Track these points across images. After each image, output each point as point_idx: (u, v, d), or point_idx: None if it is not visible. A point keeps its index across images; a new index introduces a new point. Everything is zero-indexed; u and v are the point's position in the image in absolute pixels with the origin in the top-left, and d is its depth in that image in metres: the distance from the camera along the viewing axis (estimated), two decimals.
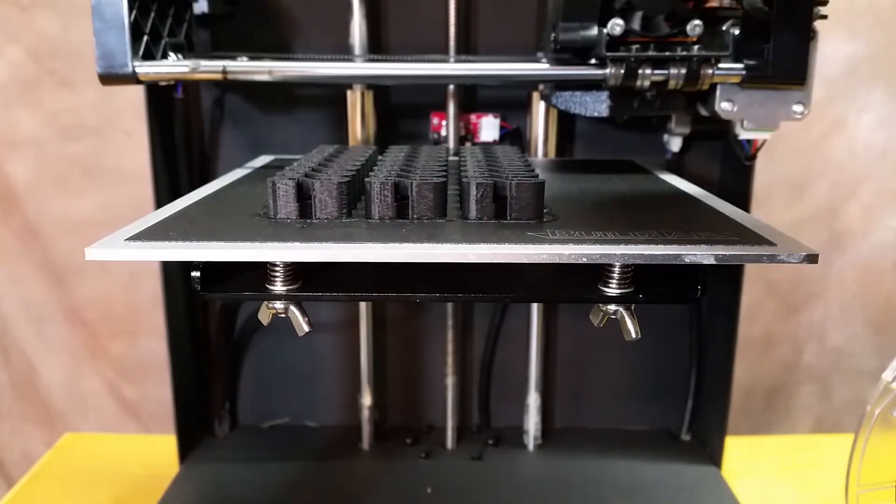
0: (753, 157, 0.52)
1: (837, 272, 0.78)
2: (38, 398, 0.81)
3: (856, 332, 0.80)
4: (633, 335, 0.32)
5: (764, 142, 0.50)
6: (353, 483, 0.56)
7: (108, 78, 0.44)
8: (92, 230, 0.74)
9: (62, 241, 0.76)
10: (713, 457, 0.59)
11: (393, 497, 0.54)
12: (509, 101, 0.56)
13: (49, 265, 0.77)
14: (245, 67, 0.45)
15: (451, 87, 0.54)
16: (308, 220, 0.32)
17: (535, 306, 0.58)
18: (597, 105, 0.48)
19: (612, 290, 0.31)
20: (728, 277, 0.56)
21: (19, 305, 0.78)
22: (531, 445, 0.61)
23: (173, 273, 0.55)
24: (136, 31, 0.43)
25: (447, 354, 0.60)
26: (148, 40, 0.44)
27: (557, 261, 0.27)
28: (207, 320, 0.60)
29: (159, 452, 0.61)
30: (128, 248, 0.28)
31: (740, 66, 0.44)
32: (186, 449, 0.59)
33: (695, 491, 0.55)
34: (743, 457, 0.62)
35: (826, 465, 0.61)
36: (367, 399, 0.60)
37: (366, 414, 0.60)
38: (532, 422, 0.60)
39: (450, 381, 0.60)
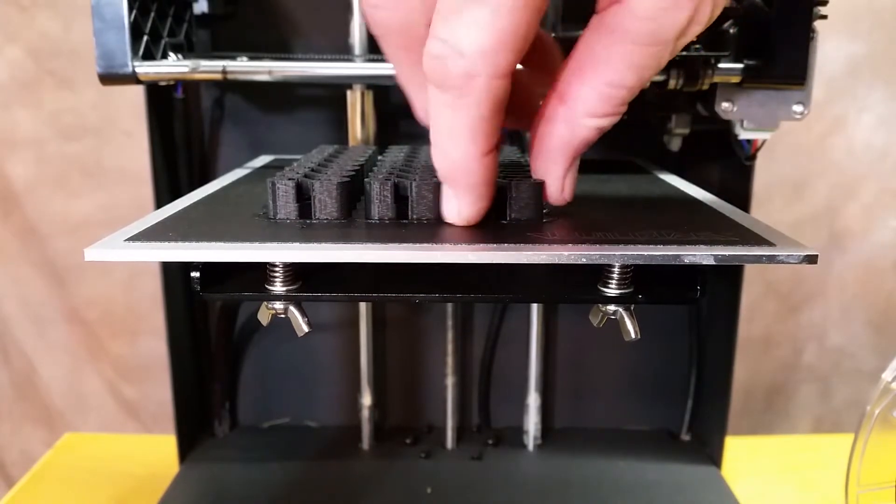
0: (753, 157, 0.51)
1: (837, 272, 0.78)
2: (38, 398, 0.81)
3: (856, 332, 0.80)
4: (633, 336, 0.32)
5: (764, 142, 0.50)
6: (353, 483, 0.56)
7: (108, 78, 0.44)
8: (92, 230, 0.74)
9: (62, 241, 0.76)
10: (713, 457, 0.59)
11: (393, 497, 0.54)
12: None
13: (49, 265, 0.77)
14: (245, 67, 0.45)
15: None
16: (308, 221, 0.32)
17: (535, 306, 0.58)
18: None
19: (612, 290, 0.31)
20: (728, 278, 0.55)
21: (19, 305, 0.78)
22: (531, 445, 0.61)
23: (173, 273, 0.55)
24: (136, 31, 0.43)
25: (447, 354, 0.60)
26: (148, 40, 0.44)
27: (557, 261, 0.27)
28: (207, 320, 0.60)
29: (159, 452, 0.61)
30: (127, 248, 0.28)
31: (740, 66, 0.44)
32: (186, 449, 0.59)
33: (695, 491, 0.55)
34: (743, 457, 0.62)
35: (826, 465, 0.61)
36: (367, 399, 0.60)
37: (366, 414, 0.60)
38: (532, 422, 0.60)
39: (450, 381, 0.60)
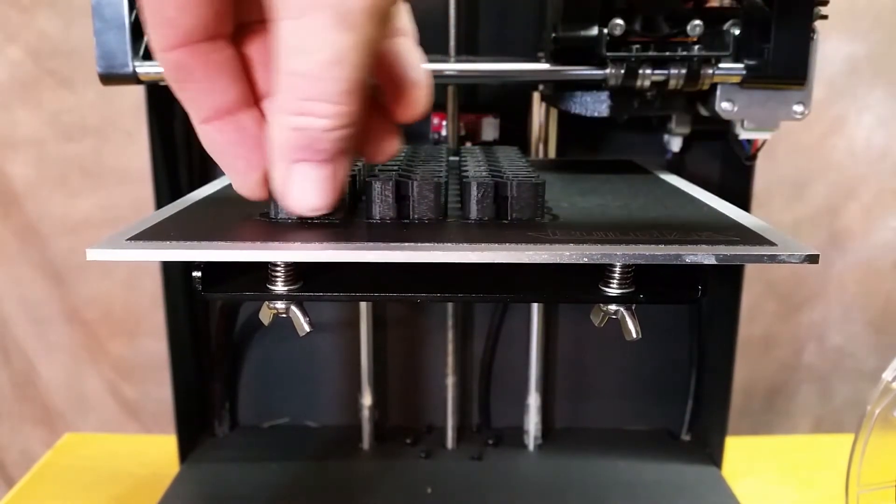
0: (754, 157, 0.52)
1: (837, 272, 0.78)
2: (38, 398, 0.81)
3: (856, 332, 0.80)
4: (634, 336, 0.32)
5: (764, 142, 0.50)
6: (353, 483, 0.56)
7: (109, 78, 0.44)
8: (92, 230, 0.74)
9: (62, 241, 0.76)
10: (713, 457, 0.59)
11: (393, 497, 0.54)
12: (509, 101, 0.56)
13: (49, 265, 0.77)
14: None
15: (452, 87, 0.54)
16: (309, 220, 0.32)
17: (535, 306, 0.58)
18: (597, 105, 0.47)
19: (613, 290, 0.31)
20: (728, 278, 0.55)
21: (19, 305, 0.78)
22: (531, 445, 0.61)
23: (173, 273, 0.55)
24: (136, 31, 0.43)
25: (447, 354, 0.60)
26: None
27: (558, 261, 0.27)
28: (208, 320, 0.60)
29: (159, 452, 0.61)
30: (129, 248, 0.28)
31: (740, 65, 0.44)
32: (186, 449, 0.59)
33: (695, 491, 0.55)
34: (743, 457, 0.62)
35: (826, 465, 0.61)
36: (367, 399, 0.60)
37: (366, 414, 0.60)
38: (532, 422, 0.60)
39: (450, 380, 0.60)
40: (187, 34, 0.26)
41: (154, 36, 0.26)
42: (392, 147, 0.31)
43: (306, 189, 0.28)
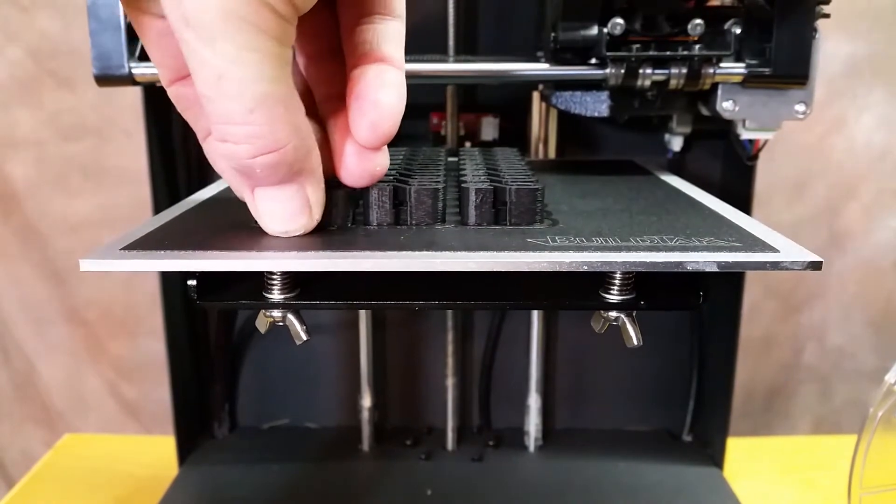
0: (755, 157, 0.51)
1: (837, 272, 0.78)
2: (38, 398, 0.81)
3: (856, 332, 0.80)
4: (635, 342, 0.32)
5: (766, 142, 0.50)
6: (353, 484, 0.56)
7: (104, 79, 0.43)
8: (92, 230, 0.74)
9: (62, 241, 0.75)
10: (714, 458, 0.58)
11: (393, 499, 0.54)
12: (509, 101, 0.56)
13: (49, 265, 0.76)
14: None
15: (451, 86, 0.53)
16: None
17: None
18: (597, 105, 0.47)
19: (614, 296, 0.31)
20: (729, 279, 0.55)
21: (19, 305, 0.78)
22: (532, 447, 0.60)
23: (172, 275, 0.55)
24: (132, 33, 0.42)
25: (447, 355, 0.60)
26: None
27: (558, 269, 0.27)
28: (207, 321, 0.60)
29: (159, 453, 0.61)
30: (123, 258, 0.27)
31: (742, 65, 0.44)
32: (186, 450, 0.59)
33: (696, 492, 0.55)
34: (744, 458, 0.61)
35: (828, 466, 0.61)
36: (366, 400, 0.60)
37: (366, 415, 0.60)
38: (533, 423, 0.60)
39: (450, 382, 0.60)
40: (176, 71, 0.28)
41: (159, 75, 0.29)
42: (368, 165, 0.29)
43: (273, 213, 0.28)
